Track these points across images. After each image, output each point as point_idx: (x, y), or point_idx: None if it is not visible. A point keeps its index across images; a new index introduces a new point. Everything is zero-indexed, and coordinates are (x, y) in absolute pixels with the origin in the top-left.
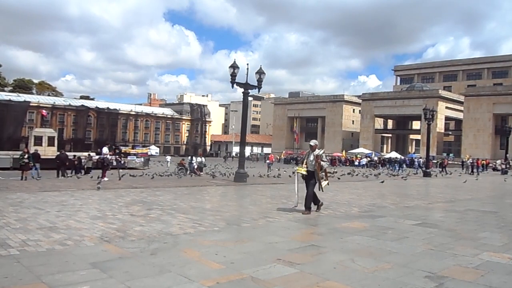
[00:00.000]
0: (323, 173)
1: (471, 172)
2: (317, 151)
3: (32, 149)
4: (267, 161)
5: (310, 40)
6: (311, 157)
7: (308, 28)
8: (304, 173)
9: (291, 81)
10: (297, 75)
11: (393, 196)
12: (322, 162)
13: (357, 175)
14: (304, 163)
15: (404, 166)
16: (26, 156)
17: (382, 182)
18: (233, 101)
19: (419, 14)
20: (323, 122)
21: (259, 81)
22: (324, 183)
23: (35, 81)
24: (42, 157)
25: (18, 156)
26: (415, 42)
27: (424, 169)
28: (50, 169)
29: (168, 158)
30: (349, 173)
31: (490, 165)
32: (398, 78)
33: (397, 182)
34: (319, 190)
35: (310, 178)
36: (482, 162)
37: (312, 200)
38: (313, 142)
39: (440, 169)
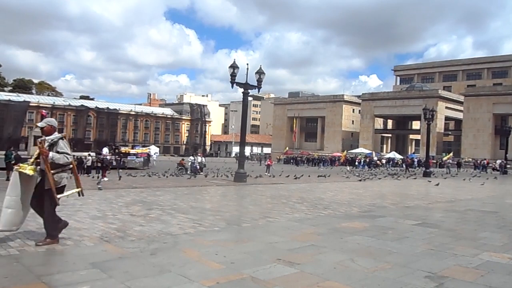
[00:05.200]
0: (64, 174)
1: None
2: (53, 136)
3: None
4: (267, 161)
5: (311, 39)
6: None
7: (309, 27)
8: (31, 173)
9: (292, 81)
10: (298, 75)
11: (393, 196)
12: (52, 154)
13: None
14: (34, 157)
15: (404, 165)
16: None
17: (437, 184)
18: (233, 101)
19: (422, 13)
20: (323, 122)
21: (259, 81)
22: (68, 192)
23: (35, 81)
24: None
25: (3, 156)
26: (417, 41)
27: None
28: None
29: (155, 156)
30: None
31: (490, 165)
32: (398, 78)
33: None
34: (50, 205)
35: (44, 183)
36: (483, 162)
37: (56, 220)
38: (42, 123)
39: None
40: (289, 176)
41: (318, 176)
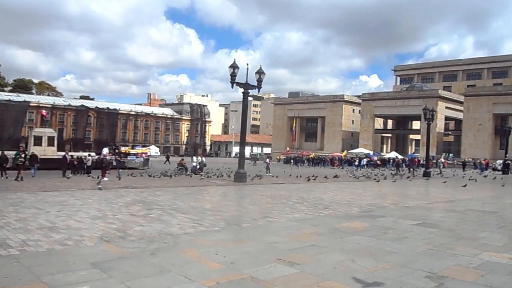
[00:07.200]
0: None
1: (439, 173)
2: None
3: (31, 150)
4: (267, 160)
5: (312, 39)
6: None
7: (310, 27)
8: None
9: (293, 81)
10: (298, 75)
11: (393, 196)
12: None
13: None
14: None
15: (391, 165)
16: (23, 156)
17: (465, 186)
18: (233, 101)
19: (422, 12)
20: (323, 122)
21: (259, 81)
22: None
23: (35, 81)
24: (41, 157)
25: (13, 156)
26: (418, 41)
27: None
28: (50, 169)
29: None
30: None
31: (490, 165)
32: (398, 78)
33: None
34: None
35: None
36: (483, 162)
37: None
38: None
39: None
40: (299, 177)
41: (333, 177)
